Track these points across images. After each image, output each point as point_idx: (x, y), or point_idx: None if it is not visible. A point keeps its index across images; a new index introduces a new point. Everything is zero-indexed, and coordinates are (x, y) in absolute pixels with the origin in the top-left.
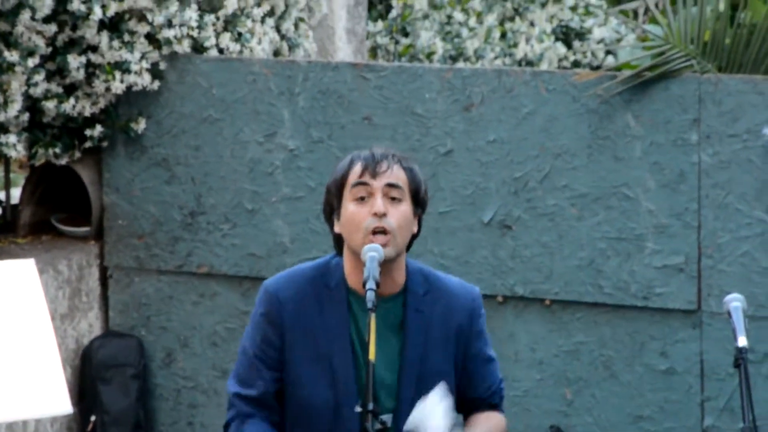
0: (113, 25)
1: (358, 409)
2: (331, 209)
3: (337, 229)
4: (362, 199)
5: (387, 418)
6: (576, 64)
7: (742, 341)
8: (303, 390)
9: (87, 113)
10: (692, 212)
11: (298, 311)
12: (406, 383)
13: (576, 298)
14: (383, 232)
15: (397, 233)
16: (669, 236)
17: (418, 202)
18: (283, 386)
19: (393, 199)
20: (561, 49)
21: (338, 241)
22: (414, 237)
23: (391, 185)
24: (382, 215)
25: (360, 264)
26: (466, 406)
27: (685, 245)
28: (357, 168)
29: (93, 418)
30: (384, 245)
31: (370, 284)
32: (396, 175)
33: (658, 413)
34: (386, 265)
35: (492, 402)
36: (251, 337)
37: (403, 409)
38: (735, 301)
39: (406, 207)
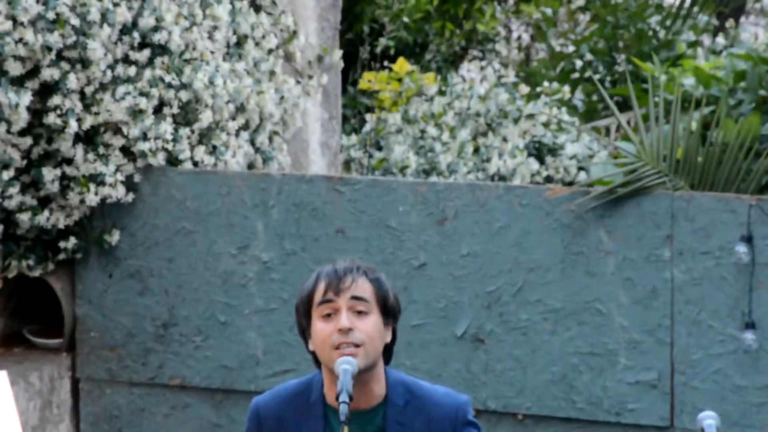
0: (88, 138)
1: None
2: (303, 328)
3: (310, 347)
4: (329, 315)
5: None
6: (548, 179)
7: None
8: None
9: (61, 225)
10: (665, 328)
11: (277, 427)
12: None
13: (549, 412)
14: (350, 345)
15: (366, 345)
16: (641, 352)
17: (388, 311)
18: None
19: (359, 312)
20: (534, 164)
21: (314, 357)
22: (389, 347)
23: (355, 298)
24: (347, 330)
25: (334, 379)
26: None
27: (658, 361)
28: (321, 286)
29: None
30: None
31: (343, 397)
32: (361, 287)
33: None
34: (361, 377)
35: None
36: None
37: None
38: (708, 419)
39: (374, 318)
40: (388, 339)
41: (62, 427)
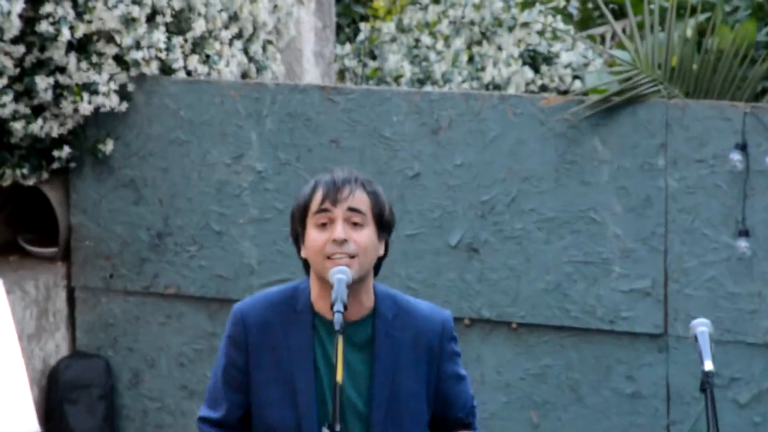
0: (81, 47)
1: (326, 430)
2: (297, 234)
3: (302, 254)
4: (324, 225)
5: None
6: (543, 88)
7: (709, 366)
8: (266, 412)
9: (55, 134)
10: (659, 237)
11: (263, 334)
12: (376, 407)
13: (543, 321)
14: (344, 256)
15: (360, 256)
16: (635, 260)
17: (383, 225)
18: (250, 409)
19: (355, 224)
20: (528, 73)
21: (306, 265)
22: (381, 260)
23: (352, 210)
24: (342, 241)
25: (326, 288)
26: (441, 426)
27: (652, 269)
28: (319, 194)
29: None
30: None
31: (338, 306)
32: (358, 199)
33: None
34: (352, 288)
35: (466, 421)
36: (219, 359)
37: (373, 431)
38: (701, 326)
39: (368, 231)
40: (381, 252)
41: (58, 336)
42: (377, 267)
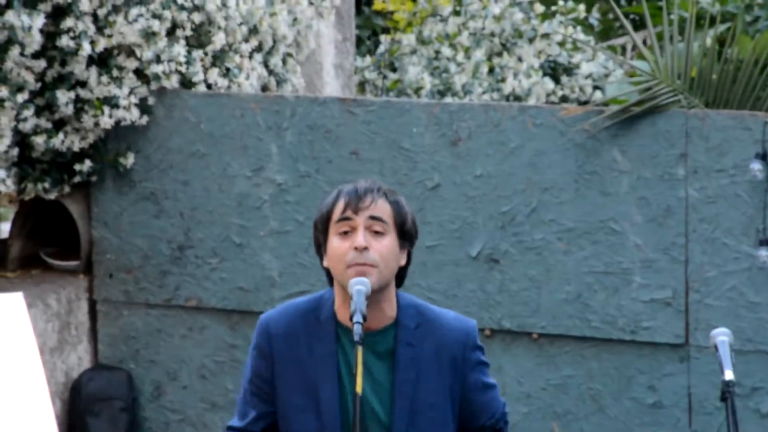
0: (102, 61)
1: None
2: (319, 244)
3: (325, 263)
4: (345, 233)
5: None
6: (564, 99)
7: (729, 375)
8: (290, 421)
9: (76, 148)
10: (679, 247)
11: (288, 344)
12: (398, 416)
13: (563, 331)
14: (364, 265)
15: (380, 266)
16: (656, 270)
17: (405, 234)
18: (276, 419)
19: (376, 232)
20: (549, 84)
21: (328, 274)
22: (403, 270)
23: (373, 218)
24: (363, 249)
25: (347, 297)
26: None
27: (673, 279)
28: (341, 203)
29: None
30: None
31: (357, 317)
32: (380, 208)
33: None
34: (373, 297)
35: (496, 428)
36: (246, 370)
37: None
38: (722, 336)
39: (390, 240)
40: (403, 262)
41: (80, 349)
42: (401, 277)
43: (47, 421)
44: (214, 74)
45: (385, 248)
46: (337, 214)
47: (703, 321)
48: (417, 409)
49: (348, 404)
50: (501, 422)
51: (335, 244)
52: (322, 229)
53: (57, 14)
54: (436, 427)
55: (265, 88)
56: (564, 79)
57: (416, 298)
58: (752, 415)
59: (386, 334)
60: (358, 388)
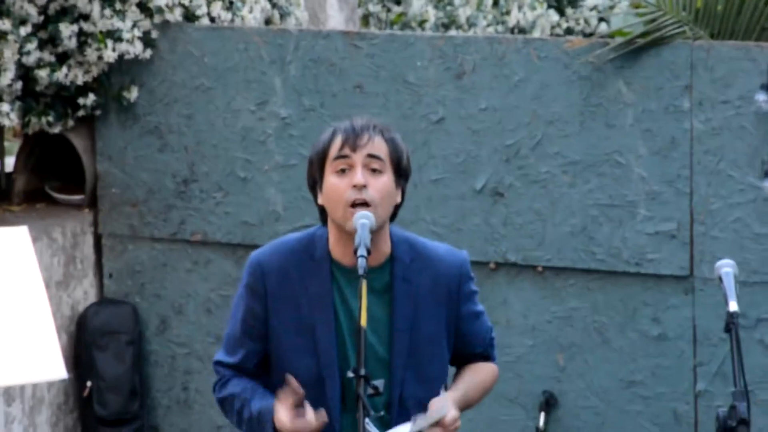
0: None
1: (350, 374)
2: (314, 181)
3: (320, 200)
4: (343, 171)
5: (379, 383)
6: (568, 31)
7: (733, 306)
8: (286, 360)
9: (80, 82)
10: (684, 179)
11: (281, 282)
12: (397, 351)
13: (568, 264)
14: (364, 204)
15: (378, 204)
16: (661, 203)
17: (400, 172)
18: (269, 357)
19: (374, 170)
20: (553, 16)
21: (322, 212)
22: (397, 207)
23: (371, 156)
24: (361, 187)
25: (343, 235)
26: (461, 361)
27: (678, 211)
28: (338, 141)
29: (89, 384)
30: None
31: (362, 251)
32: (377, 146)
33: (650, 378)
34: (371, 235)
35: (484, 354)
36: (237, 307)
37: (395, 376)
38: (726, 267)
39: (387, 178)
40: (398, 200)
41: (86, 282)
42: (394, 214)
43: (53, 354)
44: (217, 7)
45: (383, 186)
46: (334, 151)
47: (707, 253)
48: (415, 344)
49: (345, 342)
50: (489, 347)
51: (332, 181)
52: (318, 166)
53: None
54: (433, 360)
55: (268, 21)
56: (569, 11)
57: (405, 231)
58: (757, 346)
59: (383, 271)
60: (363, 321)
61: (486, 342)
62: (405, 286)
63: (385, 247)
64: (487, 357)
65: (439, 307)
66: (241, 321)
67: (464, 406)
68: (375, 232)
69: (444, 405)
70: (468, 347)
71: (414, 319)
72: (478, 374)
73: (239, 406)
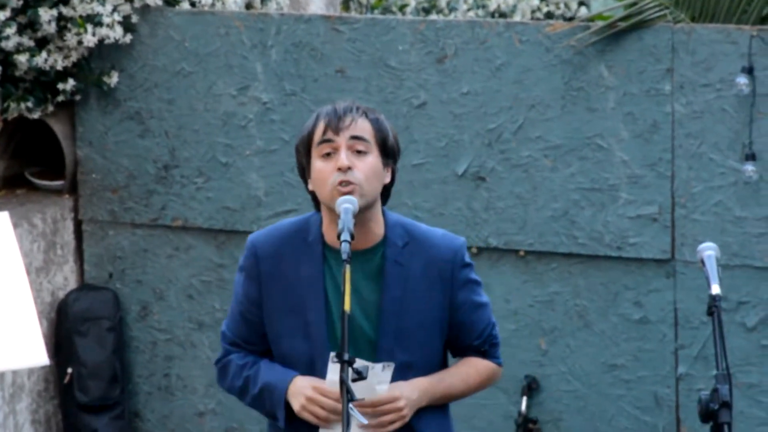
0: None
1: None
2: (303, 168)
3: (310, 186)
4: (328, 155)
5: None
6: (549, 15)
7: (716, 289)
8: (279, 342)
9: (59, 67)
10: (666, 162)
11: (275, 265)
12: (384, 334)
13: (550, 248)
14: (349, 184)
15: (364, 184)
16: (642, 186)
17: (387, 152)
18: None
19: (359, 152)
20: (534, 0)
21: (314, 197)
22: (388, 188)
23: (355, 138)
24: (346, 169)
25: (334, 218)
26: (457, 351)
27: (659, 195)
28: (321, 125)
29: (69, 370)
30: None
31: (345, 236)
32: (360, 127)
33: (632, 362)
34: (359, 216)
35: (481, 348)
36: (236, 291)
37: (381, 359)
38: (708, 250)
39: (373, 158)
40: (387, 180)
41: (66, 269)
42: (386, 195)
43: (35, 339)
44: None
45: (369, 167)
46: (318, 136)
47: (689, 236)
48: (404, 327)
49: (336, 325)
50: (486, 344)
51: (318, 166)
52: (304, 152)
53: None
54: (422, 345)
55: (249, 6)
56: None
57: (403, 216)
58: (738, 328)
59: (374, 253)
60: (347, 306)
61: (484, 336)
62: (396, 269)
63: (377, 229)
64: (482, 352)
65: (431, 291)
66: (241, 305)
67: (438, 396)
68: (364, 214)
69: (392, 388)
70: (463, 338)
71: (403, 303)
72: (464, 367)
73: (245, 373)
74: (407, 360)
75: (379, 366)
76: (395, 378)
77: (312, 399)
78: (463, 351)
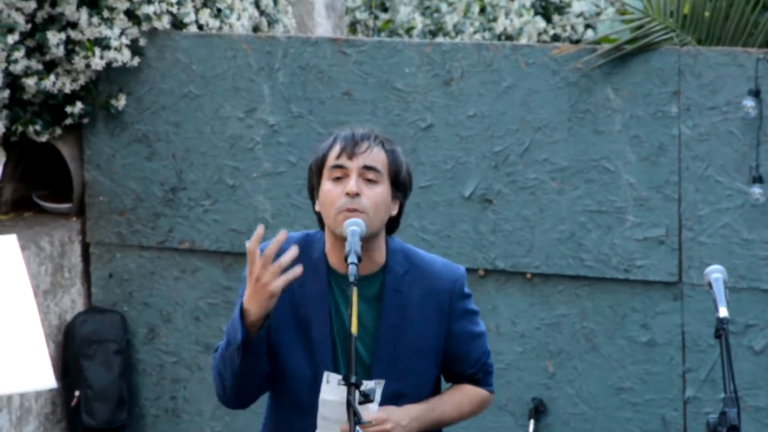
0: (92, 2)
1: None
2: (312, 188)
3: (316, 207)
4: (339, 179)
5: (370, 391)
6: (555, 38)
7: (723, 312)
8: (282, 357)
9: (67, 90)
10: (672, 185)
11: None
12: (379, 360)
13: (557, 271)
14: (355, 211)
15: (370, 213)
16: (649, 209)
17: (398, 185)
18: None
19: (369, 180)
20: (540, 23)
21: (319, 219)
22: (394, 219)
23: (367, 167)
24: (354, 195)
25: (337, 243)
26: (451, 378)
27: (666, 217)
28: (336, 148)
29: (77, 393)
30: None
31: (352, 258)
32: (374, 157)
33: (639, 385)
34: (363, 244)
35: (475, 377)
36: (240, 297)
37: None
38: (716, 273)
39: (382, 189)
40: (394, 212)
41: (74, 291)
42: (392, 227)
43: (43, 362)
44: (205, 15)
45: (377, 196)
46: (331, 159)
47: (696, 259)
48: (399, 354)
49: (336, 346)
50: (480, 372)
51: (327, 188)
52: (316, 172)
53: None
54: (417, 373)
55: (256, 28)
56: (555, 17)
57: (405, 243)
58: (746, 352)
59: (374, 279)
60: (354, 329)
61: (478, 365)
62: (395, 296)
63: (379, 257)
64: (475, 381)
65: (428, 321)
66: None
67: (429, 423)
68: (367, 241)
69: (382, 411)
70: (457, 366)
71: (400, 331)
72: (457, 394)
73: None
74: (399, 389)
75: (371, 383)
76: (385, 401)
77: (250, 272)
78: (456, 378)
